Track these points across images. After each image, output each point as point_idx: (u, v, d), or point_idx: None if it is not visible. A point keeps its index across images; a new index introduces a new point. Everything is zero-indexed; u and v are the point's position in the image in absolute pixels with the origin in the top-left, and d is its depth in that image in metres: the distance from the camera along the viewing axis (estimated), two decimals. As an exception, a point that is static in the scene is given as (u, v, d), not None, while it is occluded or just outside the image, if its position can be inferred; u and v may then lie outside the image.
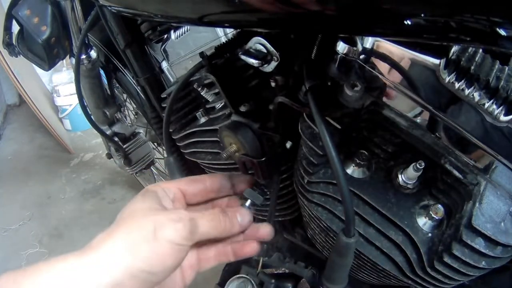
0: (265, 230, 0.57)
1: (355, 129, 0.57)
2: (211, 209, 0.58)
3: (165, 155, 1.25)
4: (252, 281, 0.88)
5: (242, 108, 0.62)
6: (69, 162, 2.79)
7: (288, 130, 0.59)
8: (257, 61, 0.54)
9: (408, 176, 0.55)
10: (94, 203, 2.39)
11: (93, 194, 2.46)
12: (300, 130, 0.55)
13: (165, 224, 0.45)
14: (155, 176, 1.99)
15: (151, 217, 0.46)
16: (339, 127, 0.50)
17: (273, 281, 0.89)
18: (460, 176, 0.51)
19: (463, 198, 0.52)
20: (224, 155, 0.57)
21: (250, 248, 0.56)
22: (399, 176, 0.56)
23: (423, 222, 0.55)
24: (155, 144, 1.71)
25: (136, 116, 1.62)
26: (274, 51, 0.54)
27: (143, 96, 1.14)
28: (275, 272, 0.91)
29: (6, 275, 0.40)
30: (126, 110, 1.62)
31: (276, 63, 0.54)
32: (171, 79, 1.10)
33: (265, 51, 0.54)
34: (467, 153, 0.51)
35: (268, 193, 0.59)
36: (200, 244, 0.57)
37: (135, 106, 1.46)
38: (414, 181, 0.55)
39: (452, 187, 0.53)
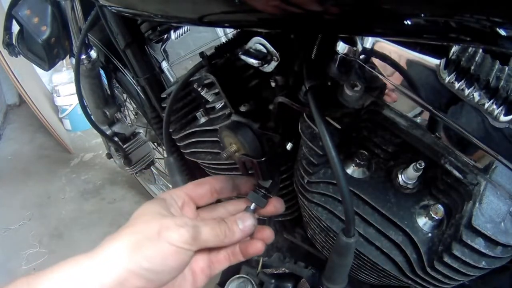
0: (265, 233, 0.59)
1: (355, 129, 0.57)
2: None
3: (165, 155, 1.25)
4: (252, 281, 0.88)
5: (242, 108, 0.62)
6: (69, 162, 2.79)
7: (288, 130, 0.59)
8: (257, 61, 0.54)
9: (408, 176, 0.55)
10: (94, 203, 2.39)
11: (93, 194, 2.46)
12: (300, 130, 0.55)
13: (170, 227, 0.48)
14: (155, 176, 1.98)
15: (158, 220, 0.49)
16: (339, 127, 0.50)
17: (273, 281, 0.89)
18: (460, 176, 0.51)
19: (463, 198, 0.51)
20: (224, 155, 0.57)
21: (255, 248, 0.58)
22: (399, 176, 0.56)
23: (423, 222, 0.55)
24: (155, 144, 1.71)
25: (136, 116, 1.62)
26: (274, 51, 0.54)
27: (143, 96, 1.14)
28: (275, 272, 0.91)
29: (20, 279, 0.43)
30: (126, 110, 1.62)
31: (276, 63, 0.54)
32: (171, 79, 1.10)
33: (265, 51, 0.54)
34: (468, 153, 0.51)
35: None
36: (211, 248, 0.58)
37: (135, 106, 1.46)
38: (414, 181, 0.55)
39: (452, 187, 0.53)
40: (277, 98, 0.55)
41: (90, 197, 2.44)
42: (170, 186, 1.79)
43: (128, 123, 1.62)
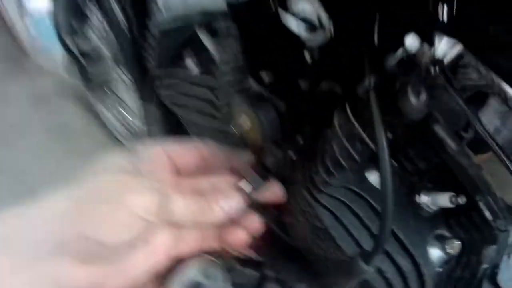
0: (251, 221, 0.46)
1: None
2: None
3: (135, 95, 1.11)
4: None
5: (264, 76, 0.50)
6: (26, 66, 2.57)
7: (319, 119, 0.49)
8: (302, 29, 0.43)
9: (435, 202, 0.48)
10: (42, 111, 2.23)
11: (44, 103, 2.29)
12: (336, 124, 0.45)
13: (131, 190, 0.37)
14: (108, 99, 1.83)
15: (119, 178, 0.38)
16: (390, 137, 0.41)
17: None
18: (490, 218, 0.45)
19: (485, 241, 0.47)
20: (235, 132, 0.46)
21: (235, 237, 0.45)
22: (422, 196, 0.49)
23: (435, 254, 0.49)
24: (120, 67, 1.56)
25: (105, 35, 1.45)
26: (328, 23, 0.43)
27: (122, 16, 0.99)
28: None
29: None
30: (95, 28, 1.45)
31: (327, 37, 0.43)
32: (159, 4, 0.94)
33: (316, 18, 0.43)
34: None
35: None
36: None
37: (107, 28, 1.27)
38: (438, 208, 0.49)
39: (475, 225, 0.48)
40: (324, 83, 0.45)
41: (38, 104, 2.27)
42: (122, 110, 1.68)
43: (96, 42, 1.45)
